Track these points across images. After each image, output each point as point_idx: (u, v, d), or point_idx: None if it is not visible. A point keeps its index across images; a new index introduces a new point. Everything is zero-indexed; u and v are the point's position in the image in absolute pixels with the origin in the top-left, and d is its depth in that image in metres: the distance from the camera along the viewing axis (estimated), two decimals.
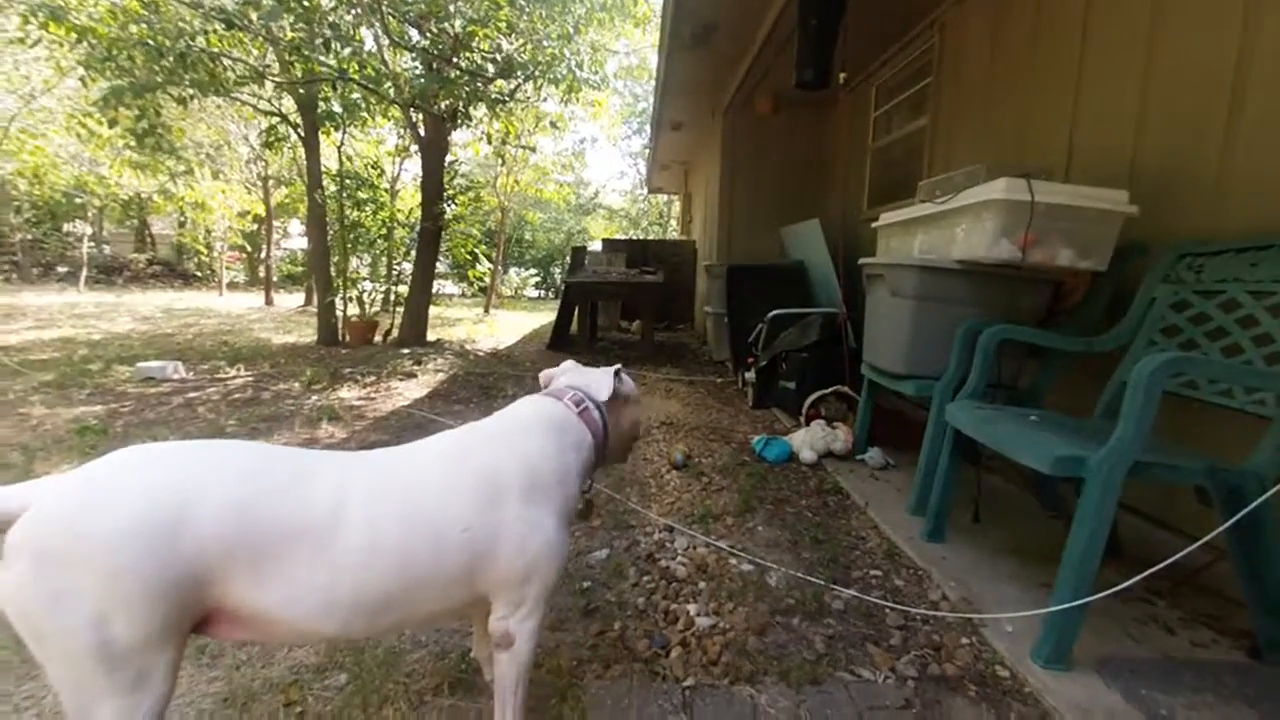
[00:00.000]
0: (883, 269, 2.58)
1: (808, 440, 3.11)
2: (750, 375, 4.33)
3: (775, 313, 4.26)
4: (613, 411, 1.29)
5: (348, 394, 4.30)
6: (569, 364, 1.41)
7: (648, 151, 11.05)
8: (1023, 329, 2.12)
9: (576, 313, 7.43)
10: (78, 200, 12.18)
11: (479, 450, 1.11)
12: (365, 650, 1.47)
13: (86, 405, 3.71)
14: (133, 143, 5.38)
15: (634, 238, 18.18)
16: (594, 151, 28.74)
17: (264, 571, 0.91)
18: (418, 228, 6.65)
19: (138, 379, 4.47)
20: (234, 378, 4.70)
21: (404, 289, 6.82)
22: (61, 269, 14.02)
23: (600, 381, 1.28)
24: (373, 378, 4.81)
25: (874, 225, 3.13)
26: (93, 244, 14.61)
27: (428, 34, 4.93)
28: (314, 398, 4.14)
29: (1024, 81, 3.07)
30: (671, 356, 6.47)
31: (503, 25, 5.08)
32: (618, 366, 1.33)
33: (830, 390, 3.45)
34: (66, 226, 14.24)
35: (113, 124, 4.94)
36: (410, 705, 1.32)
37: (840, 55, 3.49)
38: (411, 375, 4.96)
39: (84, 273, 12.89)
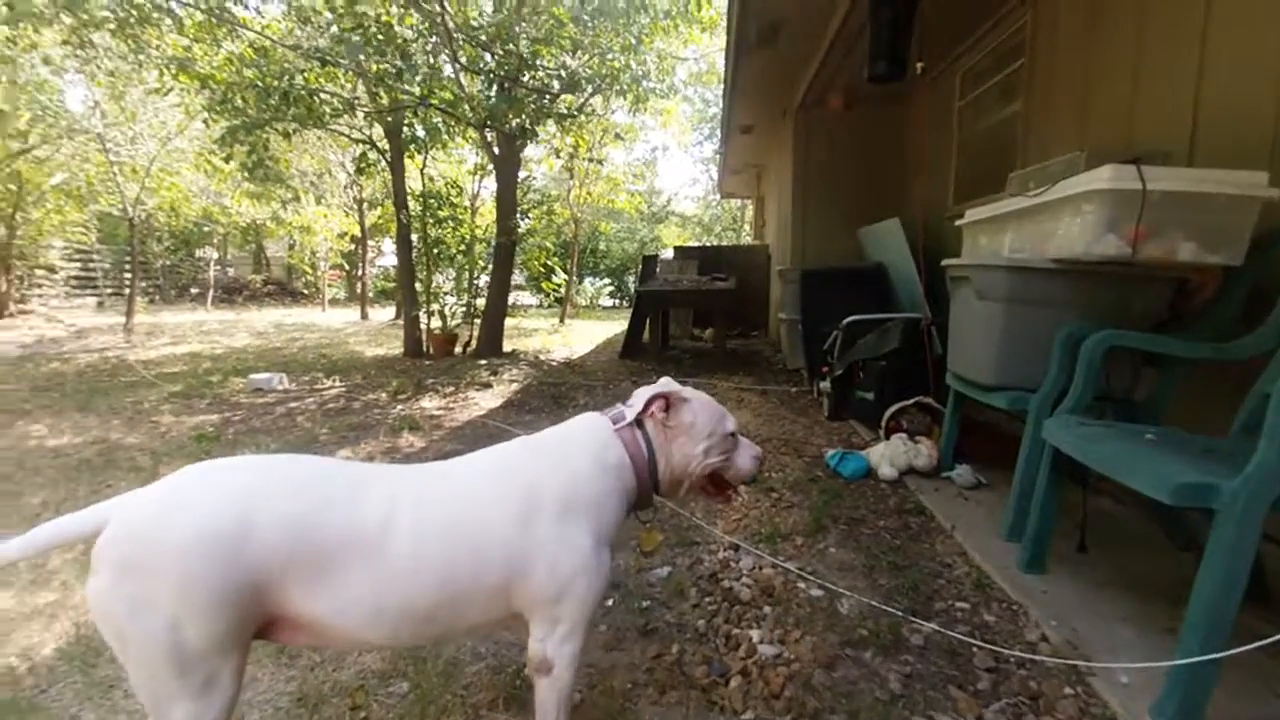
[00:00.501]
0: (968, 270, 2.38)
1: (887, 455, 2.91)
2: (825, 385, 4.14)
3: (850, 319, 4.05)
4: (660, 437, 1.18)
5: (429, 404, 4.51)
6: (664, 380, 1.27)
7: (719, 156, 10.95)
8: (1134, 334, 1.87)
9: (649, 322, 7.45)
10: (205, 229, 13.70)
11: (521, 465, 1.10)
12: (427, 660, 1.51)
13: (205, 414, 4.12)
14: (245, 175, 5.96)
15: (706, 244, 18.04)
16: (665, 160, 28.84)
17: (319, 580, 0.95)
18: (494, 243, 6.91)
19: (249, 390, 4.91)
20: (329, 388, 5.06)
21: (483, 302, 7.10)
22: (194, 290, 15.79)
23: (638, 401, 1.19)
24: (451, 388, 5.02)
25: (958, 223, 2.91)
26: (218, 267, 16.37)
27: (495, 55, 5.14)
28: (398, 407, 4.37)
29: (1132, 54, 2.74)
30: (744, 365, 6.32)
31: (566, 43, 5.19)
32: (656, 390, 1.19)
33: (912, 401, 3.22)
34: (198, 252, 16.03)
35: (228, 159, 5.51)
36: (466, 718, 1.33)
37: (917, 45, 3.29)
38: (487, 386, 5.14)
39: (210, 293, 14.46)
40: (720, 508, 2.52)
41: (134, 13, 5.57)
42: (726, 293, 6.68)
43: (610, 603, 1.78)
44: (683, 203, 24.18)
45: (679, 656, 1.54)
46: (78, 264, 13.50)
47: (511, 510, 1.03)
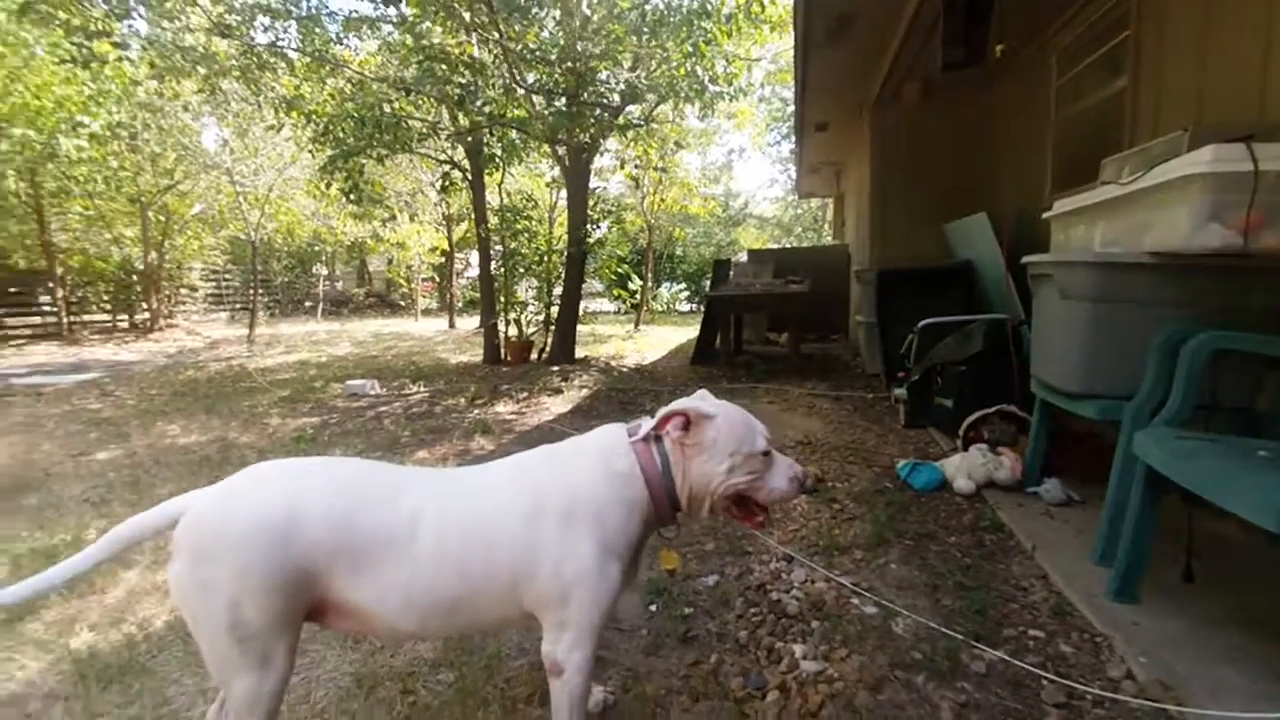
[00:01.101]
0: (1049, 267, 2.19)
1: (964, 467, 2.72)
2: (901, 391, 3.92)
3: (926, 321, 3.82)
4: (676, 453, 1.15)
5: (502, 408, 4.72)
6: (700, 394, 1.26)
7: (795, 156, 10.68)
8: (1242, 335, 1.64)
9: (721, 326, 7.38)
10: (316, 248, 15.12)
11: (533, 470, 1.16)
12: (474, 652, 1.58)
13: (307, 417, 4.53)
14: (345, 199, 6.55)
15: (784, 246, 17.62)
16: (742, 161, 28.41)
17: (360, 571, 1.04)
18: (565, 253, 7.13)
19: (345, 395, 5.36)
20: (415, 393, 5.41)
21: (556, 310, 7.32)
22: (307, 304, 17.45)
23: (658, 414, 1.15)
24: (525, 394, 5.22)
25: (1045, 215, 2.68)
26: (328, 282, 17.99)
27: (557, 74, 5.30)
28: (475, 412, 4.61)
29: (1262, 13, 2.41)
30: (820, 369, 6.12)
31: (626, 57, 5.24)
32: (674, 407, 1.14)
33: (994, 409, 2.99)
34: (315, 269, 17.71)
35: (328, 186, 6.07)
36: (504, 710, 1.38)
37: (996, 26, 3.07)
38: (558, 391, 5.30)
39: (320, 306, 15.91)
40: (777, 516, 2.46)
41: (255, 60, 6.28)
42: (801, 296, 6.50)
43: (653, 608, 1.79)
44: (760, 204, 23.76)
45: (716, 666, 1.52)
46: (212, 283, 15.31)
47: (519, 512, 1.08)
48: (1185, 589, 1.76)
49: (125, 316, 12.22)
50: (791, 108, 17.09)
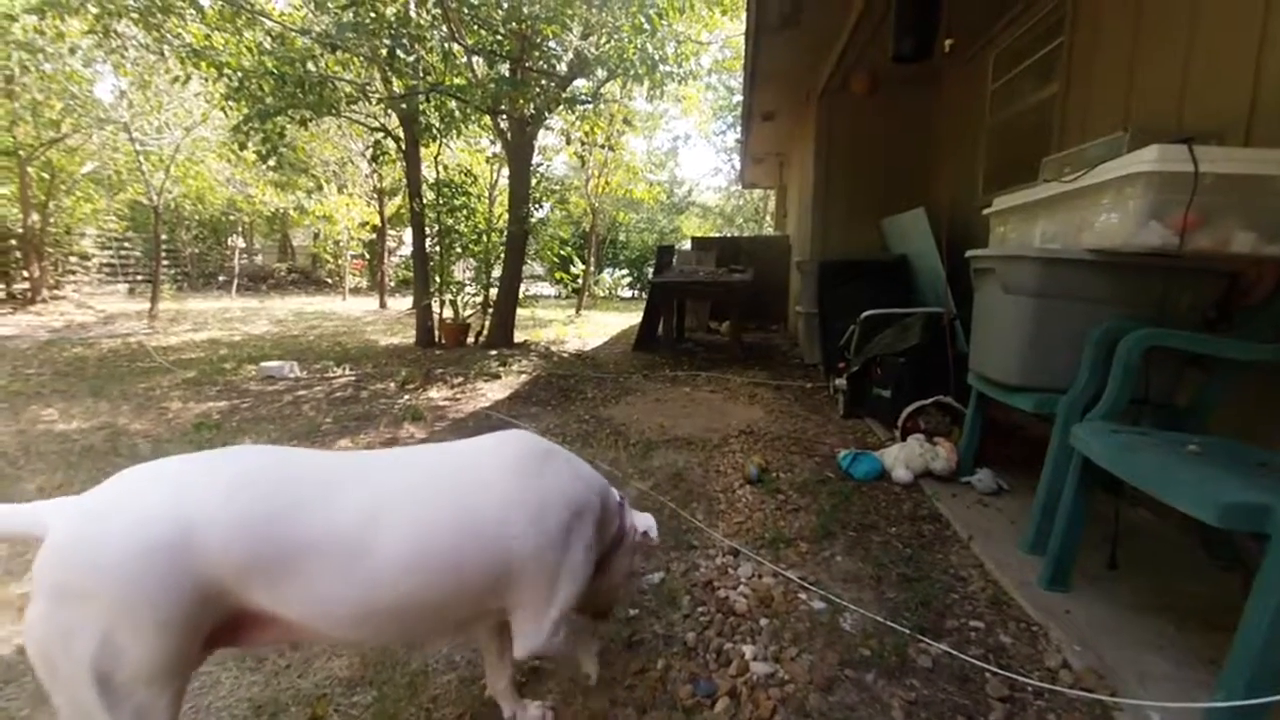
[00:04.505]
0: (993, 261, 2.21)
1: (902, 457, 2.76)
2: (840, 382, 3.97)
3: (868, 313, 3.88)
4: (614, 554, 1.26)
5: (436, 394, 4.46)
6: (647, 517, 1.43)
7: (740, 145, 10.71)
8: (1179, 333, 1.70)
9: (663, 314, 7.32)
10: (231, 217, 13.90)
11: (545, 464, 1.12)
12: (396, 668, 1.43)
13: (214, 401, 4.12)
14: (261, 163, 5.98)
15: (726, 235, 17.78)
16: (688, 149, 28.48)
17: (284, 586, 0.88)
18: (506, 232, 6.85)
19: (260, 377, 4.92)
20: (339, 377, 5.05)
21: (495, 292, 7.03)
22: (221, 278, 16.08)
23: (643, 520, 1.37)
24: (460, 379, 4.97)
25: (985, 212, 2.73)
26: (245, 256, 16.64)
27: (499, 36, 4.99)
28: (405, 397, 4.33)
29: (1184, 24, 2.52)
30: (760, 359, 6.17)
31: (574, 24, 5.00)
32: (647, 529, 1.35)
33: (931, 400, 3.06)
34: (229, 240, 16.30)
35: (242, 147, 5.51)
36: None
37: (946, 21, 3.09)
38: (496, 376, 5.08)
39: (235, 281, 14.70)
40: (722, 508, 2.41)
41: (156, 2, 5.59)
42: (743, 285, 6.51)
43: None
44: (704, 193, 23.87)
45: (664, 673, 1.44)
46: (110, 252, 13.82)
47: (527, 504, 1.04)
48: (1110, 576, 1.83)
49: (1, 286, 10.84)
50: (738, 98, 17.19)
